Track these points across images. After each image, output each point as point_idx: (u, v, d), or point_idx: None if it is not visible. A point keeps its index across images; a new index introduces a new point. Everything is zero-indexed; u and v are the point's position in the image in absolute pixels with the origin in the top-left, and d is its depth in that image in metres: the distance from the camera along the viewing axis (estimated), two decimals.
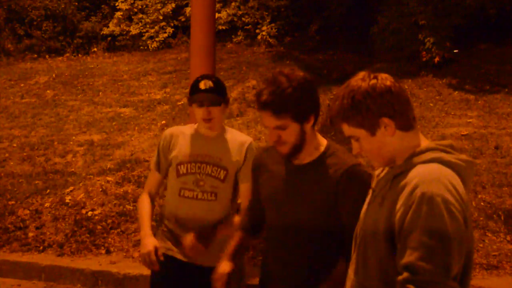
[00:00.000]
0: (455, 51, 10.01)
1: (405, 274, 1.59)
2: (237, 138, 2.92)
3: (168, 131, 2.98)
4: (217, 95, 2.81)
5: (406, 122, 1.75)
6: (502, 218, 5.13)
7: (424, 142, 1.78)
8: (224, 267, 2.52)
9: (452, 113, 7.97)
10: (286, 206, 2.38)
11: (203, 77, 2.89)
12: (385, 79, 1.75)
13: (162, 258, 2.75)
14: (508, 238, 4.93)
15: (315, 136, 2.33)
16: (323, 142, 2.36)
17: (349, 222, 2.16)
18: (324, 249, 2.34)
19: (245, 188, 2.85)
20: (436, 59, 9.69)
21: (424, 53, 9.78)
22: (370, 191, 1.91)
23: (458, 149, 1.76)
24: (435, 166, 1.67)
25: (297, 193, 2.34)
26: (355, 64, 10.90)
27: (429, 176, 1.63)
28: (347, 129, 1.80)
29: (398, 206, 1.65)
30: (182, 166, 2.86)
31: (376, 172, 1.91)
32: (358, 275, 1.83)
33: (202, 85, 2.80)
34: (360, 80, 1.77)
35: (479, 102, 8.39)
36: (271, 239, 2.52)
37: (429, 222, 1.57)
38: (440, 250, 1.56)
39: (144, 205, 2.96)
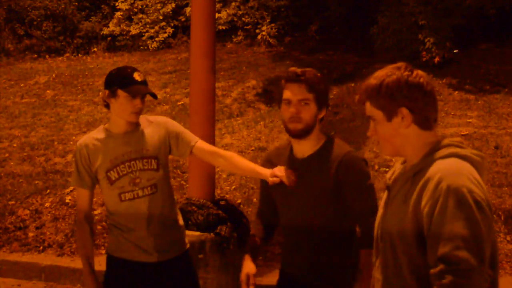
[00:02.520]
0: (455, 51, 10.01)
1: (441, 266, 1.61)
2: (152, 122, 2.87)
3: (79, 144, 2.82)
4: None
5: (425, 121, 1.78)
6: (502, 218, 5.13)
7: (442, 141, 1.81)
8: (249, 268, 2.63)
9: (452, 113, 7.97)
10: (294, 202, 2.52)
11: (132, 68, 2.80)
12: (419, 76, 1.79)
13: None
14: (508, 238, 4.93)
15: (319, 131, 2.55)
16: (324, 136, 2.57)
17: (359, 209, 2.41)
18: (337, 243, 2.48)
19: (201, 144, 2.87)
20: (436, 59, 9.68)
21: (424, 53, 9.77)
22: (385, 192, 1.92)
23: (466, 144, 1.80)
24: (454, 160, 1.71)
25: (302, 187, 2.48)
26: (355, 64, 10.91)
27: (451, 170, 1.67)
28: (369, 108, 1.85)
29: (423, 202, 1.67)
30: (112, 172, 2.74)
31: (388, 175, 1.93)
32: (388, 276, 1.83)
33: (137, 77, 2.72)
34: (396, 68, 1.83)
35: (479, 102, 8.38)
36: (286, 236, 2.64)
37: (458, 212, 1.60)
38: (472, 239, 1.59)
39: (86, 237, 2.83)
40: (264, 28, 12.99)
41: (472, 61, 10.21)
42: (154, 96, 2.78)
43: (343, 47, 12.29)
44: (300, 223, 2.51)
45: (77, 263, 5.39)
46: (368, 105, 1.84)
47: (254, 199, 6.08)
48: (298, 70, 2.49)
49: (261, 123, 8.31)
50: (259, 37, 12.97)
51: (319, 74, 2.52)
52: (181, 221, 2.99)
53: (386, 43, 10.42)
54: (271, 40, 12.87)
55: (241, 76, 10.82)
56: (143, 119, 2.86)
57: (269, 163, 2.65)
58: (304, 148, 2.53)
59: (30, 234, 5.90)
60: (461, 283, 1.58)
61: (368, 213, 2.37)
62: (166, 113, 9.16)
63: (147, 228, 2.77)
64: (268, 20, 13.16)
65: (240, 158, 2.77)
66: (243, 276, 2.63)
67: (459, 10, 10.02)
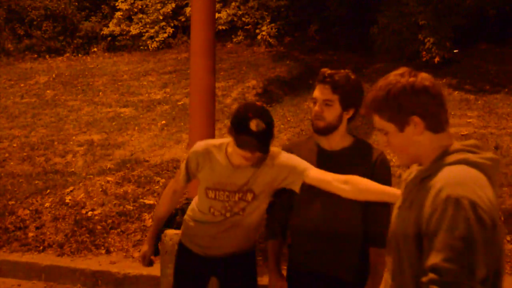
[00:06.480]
0: (455, 51, 10.01)
1: (430, 275, 1.58)
2: (268, 158, 2.71)
3: (197, 148, 2.80)
4: (266, 141, 2.55)
5: (436, 124, 1.75)
6: (502, 218, 5.13)
7: (453, 144, 1.77)
8: (279, 283, 2.73)
9: (452, 113, 7.97)
10: (323, 196, 2.56)
11: (257, 114, 2.55)
12: (424, 79, 1.75)
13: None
14: (508, 238, 4.93)
15: (346, 131, 2.68)
16: (351, 136, 2.71)
17: (379, 208, 2.53)
18: (360, 241, 2.59)
19: (314, 173, 2.58)
20: (436, 59, 9.68)
21: (424, 53, 9.78)
22: (400, 196, 1.90)
23: (481, 147, 1.75)
24: (461, 168, 1.66)
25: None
26: (355, 64, 10.90)
27: (455, 179, 1.62)
28: (378, 121, 1.80)
29: (425, 208, 1.65)
30: (210, 191, 2.77)
31: (404, 176, 1.90)
32: (395, 279, 1.81)
33: (254, 126, 2.51)
34: (400, 75, 1.77)
35: (479, 102, 8.39)
36: (305, 235, 2.65)
37: (454, 224, 1.56)
38: (465, 252, 1.55)
39: (167, 202, 3.02)
40: (264, 28, 12.99)
41: (472, 61, 10.21)
42: (264, 150, 2.58)
43: (343, 47, 12.29)
44: (328, 219, 2.56)
45: (77, 263, 5.40)
46: (377, 118, 1.80)
47: None
48: (327, 72, 2.58)
49: None
50: (259, 37, 12.96)
51: (352, 76, 2.59)
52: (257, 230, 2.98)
53: (386, 43, 10.42)
54: (271, 40, 12.86)
55: (241, 76, 10.82)
56: None
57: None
58: (332, 142, 2.65)
59: (30, 234, 5.90)
60: None
61: (386, 213, 2.50)
62: (166, 113, 9.17)
63: (221, 233, 2.82)
64: (268, 20, 13.16)
65: (362, 179, 2.47)
66: None
67: (459, 10, 10.02)
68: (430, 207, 1.62)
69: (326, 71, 2.59)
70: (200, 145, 2.82)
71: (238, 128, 2.56)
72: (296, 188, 2.63)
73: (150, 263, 3.08)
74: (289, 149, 2.75)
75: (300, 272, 2.67)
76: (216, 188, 2.75)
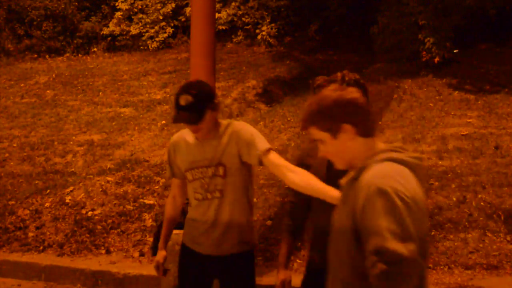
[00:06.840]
0: (455, 51, 10.01)
1: (372, 257, 1.75)
2: (229, 129, 2.90)
3: (172, 138, 3.07)
4: (196, 112, 2.76)
5: (365, 130, 1.98)
6: (502, 218, 5.13)
7: (381, 147, 2.02)
8: (284, 275, 2.76)
9: (452, 113, 7.97)
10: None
11: (185, 89, 2.80)
12: (351, 92, 1.99)
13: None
14: (508, 238, 4.92)
15: None
16: None
17: None
18: None
19: (272, 156, 2.76)
20: (436, 59, 9.69)
21: (424, 53, 9.78)
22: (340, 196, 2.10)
23: (407, 148, 2.00)
24: (387, 164, 1.90)
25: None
26: (355, 64, 10.91)
27: (381, 173, 1.86)
28: (315, 132, 2.01)
29: (357, 203, 1.85)
30: (188, 173, 2.96)
31: (343, 181, 2.09)
32: (335, 270, 2.00)
33: (182, 101, 2.76)
34: (331, 90, 2.00)
35: (479, 102, 8.38)
36: (320, 238, 2.62)
37: (385, 210, 1.77)
38: (399, 231, 1.75)
39: (169, 207, 3.15)
40: (264, 28, 13.00)
41: (472, 61, 10.21)
42: (194, 123, 2.78)
43: (343, 47, 12.30)
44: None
45: (77, 263, 5.40)
46: (314, 130, 2.01)
47: (254, 199, 6.08)
48: (316, 82, 2.54)
49: (261, 123, 8.32)
50: (259, 37, 12.98)
51: (346, 78, 2.47)
52: (250, 223, 3.04)
53: (386, 43, 10.43)
54: (271, 40, 12.87)
55: (241, 76, 10.82)
56: (226, 123, 2.93)
57: (305, 167, 2.70)
58: None
59: (30, 234, 5.90)
60: (391, 271, 1.73)
61: None
62: (166, 113, 9.17)
63: (209, 227, 2.92)
64: (268, 20, 13.17)
65: (314, 177, 2.59)
66: (279, 284, 2.76)
67: (459, 10, 10.03)
68: (361, 200, 1.83)
69: (316, 80, 2.54)
70: (175, 135, 3.08)
71: (174, 106, 2.81)
72: (254, 162, 2.82)
73: (164, 272, 3.12)
74: (304, 151, 2.80)
75: (316, 270, 2.69)
76: (192, 167, 2.93)
